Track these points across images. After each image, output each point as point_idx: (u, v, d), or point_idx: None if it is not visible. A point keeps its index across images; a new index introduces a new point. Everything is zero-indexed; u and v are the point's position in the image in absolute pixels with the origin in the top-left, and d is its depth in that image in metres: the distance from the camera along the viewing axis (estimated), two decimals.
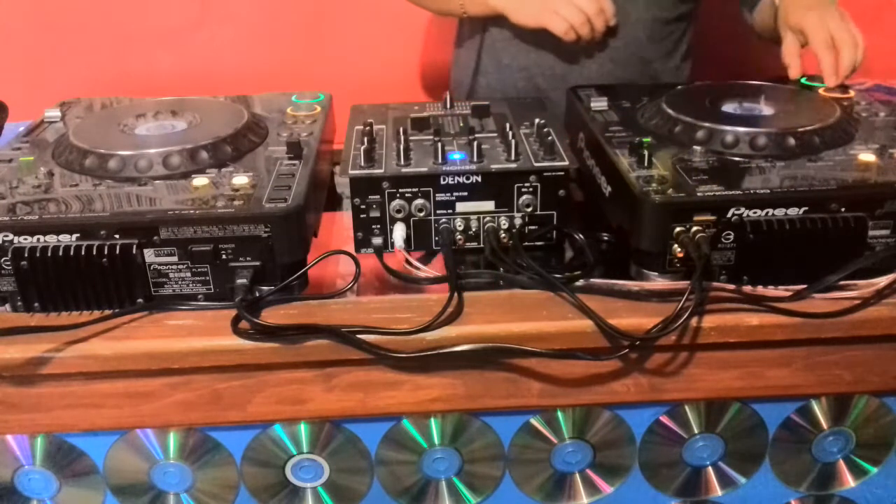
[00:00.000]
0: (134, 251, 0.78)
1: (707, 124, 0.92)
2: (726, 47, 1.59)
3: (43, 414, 0.79)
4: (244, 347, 0.75)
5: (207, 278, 0.80)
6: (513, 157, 0.88)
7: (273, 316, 0.78)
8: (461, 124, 1.00)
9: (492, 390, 0.80)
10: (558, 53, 1.30)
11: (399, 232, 0.88)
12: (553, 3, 1.19)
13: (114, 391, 0.78)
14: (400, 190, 0.87)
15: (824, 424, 0.88)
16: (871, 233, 0.81)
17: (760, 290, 0.80)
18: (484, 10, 1.27)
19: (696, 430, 0.87)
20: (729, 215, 0.80)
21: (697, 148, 0.90)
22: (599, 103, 1.04)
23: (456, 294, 0.79)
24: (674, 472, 0.89)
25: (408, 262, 0.86)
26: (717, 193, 0.80)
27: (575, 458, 0.87)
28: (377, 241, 0.89)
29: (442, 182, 0.87)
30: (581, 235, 0.88)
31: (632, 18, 1.28)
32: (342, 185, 1.10)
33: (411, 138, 0.94)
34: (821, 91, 1.09)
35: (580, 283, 0.81)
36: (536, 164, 0.88)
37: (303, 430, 0.84)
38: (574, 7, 1.18)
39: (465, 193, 0.88)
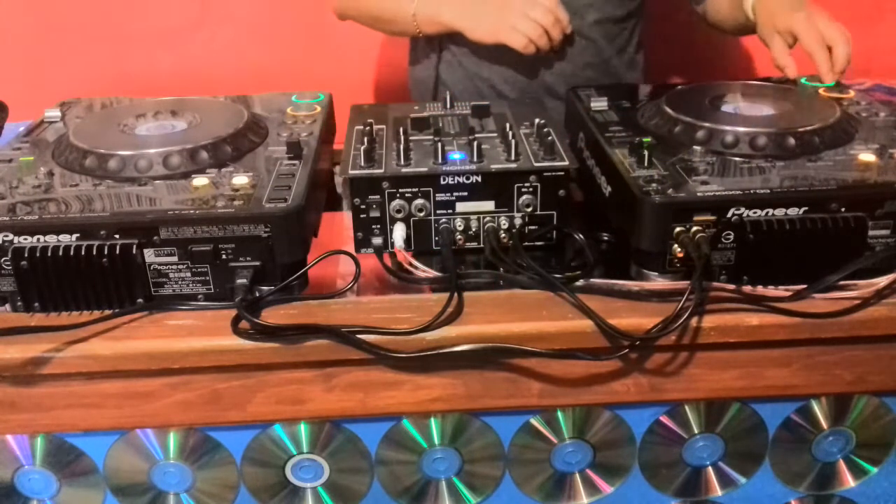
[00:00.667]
0: (134, 251, 0.78)
1: (707, 124, 0.92)
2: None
3: (43, 414, 0.79)
4: (244, 347, 0.75)
5: (207, 278, 0.80)
6: (513, 157, 0.88)
7: (273, 316, 0.78)
8: (461, 124, 1.00)
9: (492, 390, 0.80)
10: (519, 63, 1.30)
11: (399, 232, 0.88)
12: (509, 18, 1.20)
13: (114, 391, 0.78)
14: (400, 190, 0.87)
15: (824, 424, 0.88)
16: (871, 233, 0.81)
17: (760, 290, 0.80)
18: (439, 28, 1.28)
19: (696, 430, 0.87)
20: (729, 215, 0.80)
21: (697, 148, 0.90)
22: (599, 103, 1.04)
23: (456, 294, 0.79)
24: (674, 472, 0.89)
25: (408, 262, 0.86)
26: (717, 193, 0.80)
27: (575, 458, 0.87)
28: (377, 241, 0.89)
29: (442, 182, 0.87)
30: (581, 235, 0.88)
31: (587, 21, 1.29)
32: (342, 185, 1.10)
33: (411, 138, 0.94)
34: (821, 91, 1.09)
35: (580, 283, 0.81)
36: (536, 164, 0.88)
37: (303, 430, 0.84)
38: (531, 21, 1.19)
39: (465, 193, 0.88)
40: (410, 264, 0.86)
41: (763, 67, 1.68)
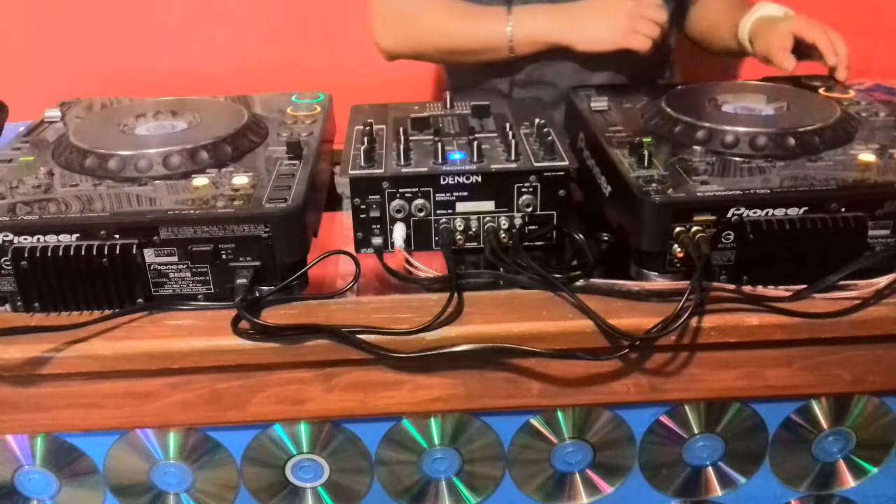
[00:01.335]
0: (134, 251, 0.78)
1: (707, 124, 0.92)
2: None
3: (43, 414, 0.79)
4: (244, 347, 0.75)
5: (207, 278, 0.80)
6: (513, 157, 0.88)
7: (273, 316, 0.78)
8: (461, 124, 1.00)
9: (492, 390, 0.80)
10: (587, 66, 1.26)
11: (399, 232, 0.88)
12: (627, 22, 1.15)
13: (114, 391, 0.78)
14: (400, 190, 0.87)
15: (824, 424, 0.88)
16: (871, 233, 0.81)
17: (760, 290, 0.80)
18: (539, 47, 1.21)
19: (696, 430, 0.87)
20: (729, 215, 0.80)
21: (697, 148, 0.90)
22: (599, 103, 1.04)
23: (456, 294, 0.79)
24: (674, 472, 0.89)
25: (408, 262, 0.86)
26: (717, 193, 0.80)
27: (575, 458, 0.87)
28: (377, 241, 0.89)
29: (442, 182, 0.87)
30: (581, 235, 0.88)
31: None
32: (342, 185, 1.10)
33: (411, 138, 0.94)
34: (821, 91, 1.09)
35: (580, 283, 0.81)
36: (536, 164, 0.87)
37: (303, 430, 0.84)
38: (648, 21, 1.15)
39: (465, 193, 0.88)
40: (410, 264, 0.86)
41: (763, 67, 1.68)
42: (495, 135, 0.96)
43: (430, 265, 0.86)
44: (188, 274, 0.80)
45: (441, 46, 1.25)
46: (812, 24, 1.13)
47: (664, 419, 0.86)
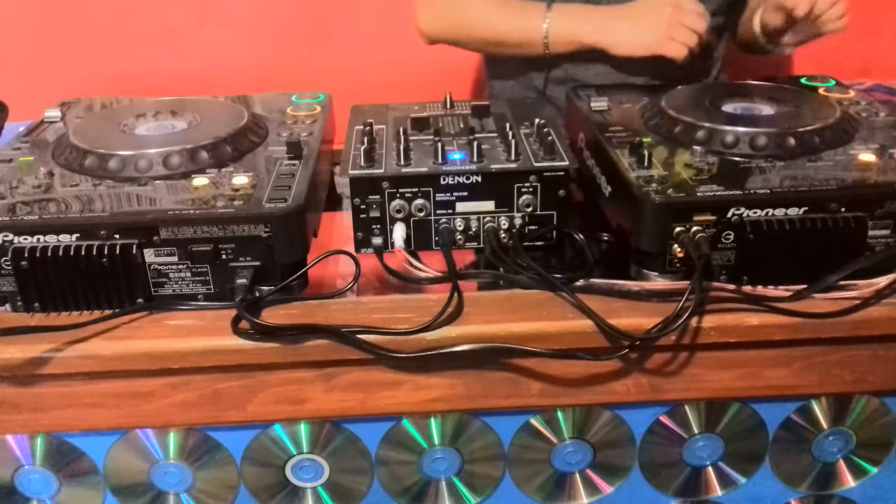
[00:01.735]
0: (134, 251, 0.78)
1: (707, 124, 0.92)
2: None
3: (43, 414, 0.79)
4: (244, 347, 0.75)
5: (207, 278, 0.80)
6: (513, 157, 0.88)
7: (273, 316, 0.78)
8: (461, 124, 1.00)
9: (492, 390, 0.80)
10: (621, 69, 1.25)
11: (399, 232, 0.88)
12: (665, 29, 1.14)
13: (114, 391, 0.78)
14: (400, 190, 0.87)
15: (824, 424, 0.88)
16: (871, 233, 0.81)
17: (760, 290, 0.80)
18: (574, 47, 1.21)
19: (696, 430, 0.87)
20: (729, 215, 0.80)
21: (697, 148, 0.90)
22: (599, 103, 1.04)
23: (456, 294, 0.79)
24: (674, 472, 0.89)
25: (408, 262, 0.86)
26: (717, 193, 0.80)
27: (575, 458, 0.87)
28: (377, 241, 0.89)
29: (442, 182, 0.87)
30: (581, 235, 0.88)
31: (709, 24, 1.24)
32: (342, 185, 1.10)
33: (411, 138, 0.94)
34: (821, 91, 1.09)
35: (580, 283, 0.81)
36: (536, 164, 0.87)
37: (303, 430, 0.84)
38: (687, 29, 1.14)
39: (465, 193, 0.88)
40: (411, 264, 0.86)
41: (763, 67, 1.68)
42: (495, 135, 0.96)
43: (431, 265, 0.86)
44: (188, 274, 0.80)
45: (480, 36, 1.26)
46: None
47: (664, 419, 0.86)
